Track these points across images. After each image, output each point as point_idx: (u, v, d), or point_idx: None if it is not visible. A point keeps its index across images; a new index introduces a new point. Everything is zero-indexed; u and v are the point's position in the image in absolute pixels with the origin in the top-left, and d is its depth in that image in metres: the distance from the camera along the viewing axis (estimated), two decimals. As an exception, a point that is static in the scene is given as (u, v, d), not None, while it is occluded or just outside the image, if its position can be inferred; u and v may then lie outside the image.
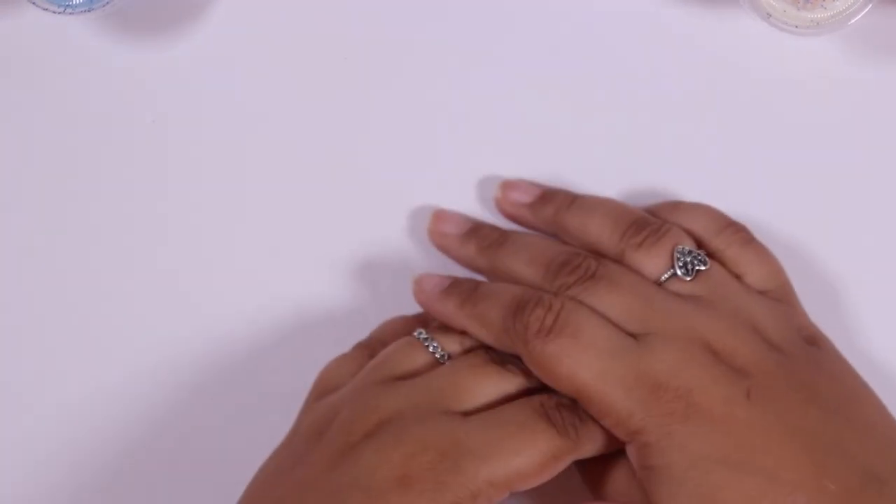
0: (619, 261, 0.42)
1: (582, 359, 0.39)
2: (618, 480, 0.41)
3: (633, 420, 0.39)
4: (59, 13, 0.45)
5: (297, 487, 0.39)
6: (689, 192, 0.47)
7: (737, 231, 0.44)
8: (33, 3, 0.44)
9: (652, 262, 0.42)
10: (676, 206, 0.45)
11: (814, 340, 0.42)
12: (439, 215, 0.47)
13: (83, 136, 0.48)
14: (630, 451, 0.39)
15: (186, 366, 0.47)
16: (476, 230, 0.46)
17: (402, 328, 0.45)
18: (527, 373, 0.41)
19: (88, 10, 0.45)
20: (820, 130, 0.47)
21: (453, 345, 0.42)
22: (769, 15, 0.44)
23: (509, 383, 0.41)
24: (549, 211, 0.45)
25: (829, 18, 0.44)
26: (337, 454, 0.39)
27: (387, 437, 0.38)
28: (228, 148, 0.48)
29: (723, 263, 0.43)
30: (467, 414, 0.39)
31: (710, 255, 0.43)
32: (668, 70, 0.47)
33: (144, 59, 0.48)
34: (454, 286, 0.44)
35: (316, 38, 0.48)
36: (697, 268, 0.42)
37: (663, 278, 0.42)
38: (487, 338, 0.42)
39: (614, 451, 0.40)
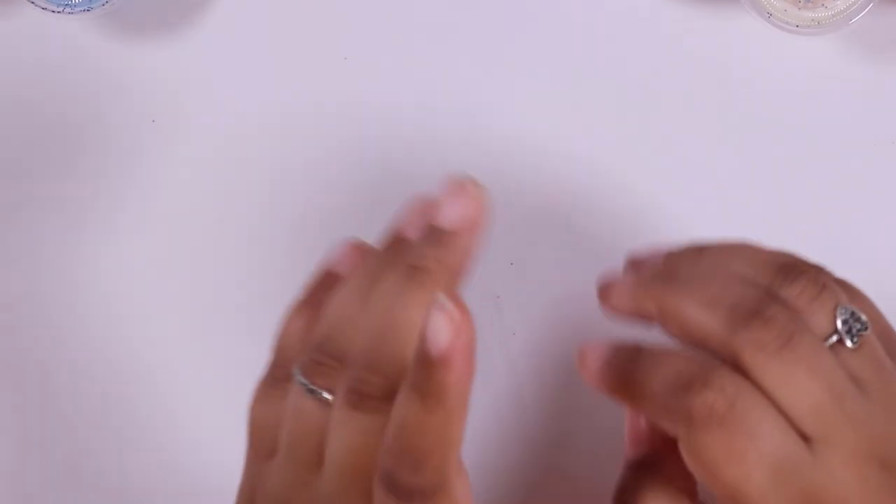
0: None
1: (755, 468, 0.32)
2: None
3: None
4: (59, 13, 0.45)
5: None
6: (689, 191, 0.47)
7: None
8: (33, 3, 0.44)
9: (816, 321, 0.34)
10: (701, 252, 0.38)
11: None
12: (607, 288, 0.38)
13: (83, 136, 0.48)
14: None
15: (180, 362, 0.47)
16: (637, 262, 0.39)
17: (295, 333, 0.39)
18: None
19: (87, 10, 0.45)
20: (820, 130, 0.47)
21: (338, 380, 0.36)
22: (770, 14, 0.44)
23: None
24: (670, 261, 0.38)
25: (829, 18, 0.44)
26: None
27: None
28: (228, 148, 0.48)
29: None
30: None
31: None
32: (669, 69, 0.47)
33: (144, 59, 0.48)
34: (615, 357, 0.37)
35: (316, 38, 0.48)
36: (860, 333, 0.34)
37: (829, 343, 0.34)
38: (647, 412, 0.36)
39: None
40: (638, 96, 0.47)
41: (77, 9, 0.45)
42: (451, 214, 0.37)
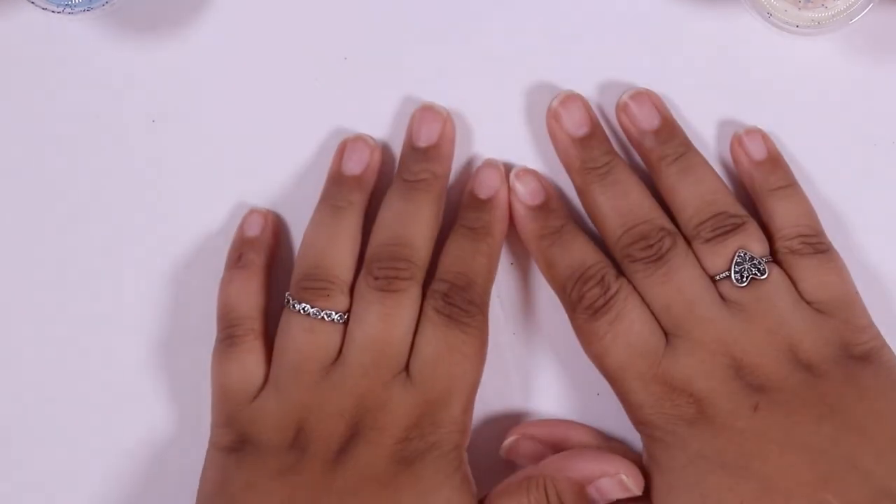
0: (689, 241, 0.44)
1: (612, 347, 0.42)
2: None
3: (642, 412, 0.42)
4: (59, 13, 0.45)
5: (300, 491, 0.40)
6: (690, 191, 0.46)
7: (810, 238, 0.44)
8: (33, 3, 0.44)
9: (713, 259, 0.43)
10: (775, 192, 0.45)
11: (865, 355, 0.42)
12: (567, 100, 0.46)
13: (83, 136, 0.48)
14: (642, 440, 0.43)
15: (187, 364, 0.47)
16: (588, 144, 0.45)
17: (244, 294, 0.45)
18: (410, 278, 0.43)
19: (88, 10, 0.45)
20: (820, 130, 0.47)
21: (337, 300, 0.43)
22: (770, 14, 0.44)
23: (414, 302, 0.43)
24: (655, 151, 0.45)
25: (830, 18, 0.44)
26: (330, 460, 0.41)
27: (369, 432, 0.41)
28: (228, 148, 0.48)
29: (784, 265, 0.44)
30: (408, 364, 0.43)
31: (775, 252, 0.44)
32: (669, 69, 0.47)
33: (144, 59, 0.48)
34: (544, 211, 0.45)
35: (316, 38, 0.48)
36: (753, 276, 0.42)
37: (718, 277, 0.43)
38: (546, 277, 0.45)
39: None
40: (638, 96, 0.47)
41: (77, 9, 0.45)
42: (428, 132, 0.46)
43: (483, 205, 0.45)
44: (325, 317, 0.43)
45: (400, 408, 0.41)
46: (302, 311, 0.43)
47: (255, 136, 0.48)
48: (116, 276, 0.48)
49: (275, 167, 0.48)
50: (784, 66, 0.47)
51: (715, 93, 0.47)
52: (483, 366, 0.43)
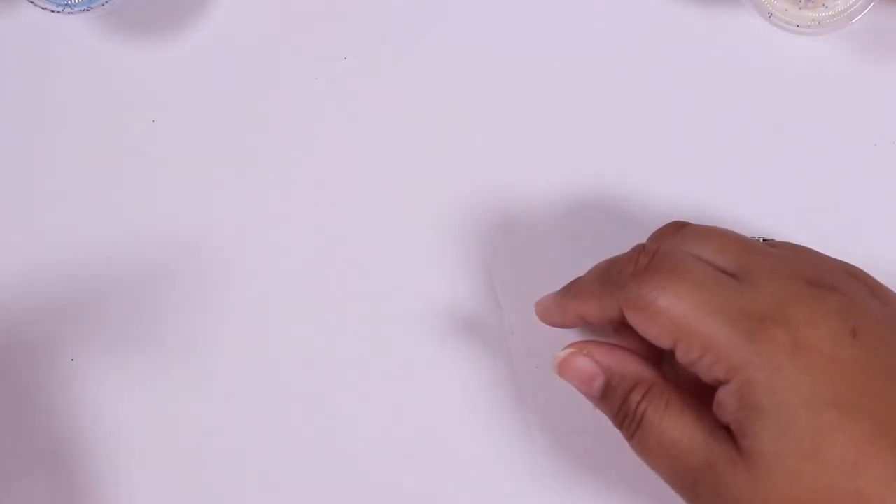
0: None
1: (681, 290, 0.37)
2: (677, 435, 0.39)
3: (737, 352, 0.37)
4: (59, 13, 0.45)
5: None
6: (688, 191, 0.47)
7: None
8: (32, 3, 0.44)
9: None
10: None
11: None
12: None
13: (83, 136, 0.48)
14: (726, 391, 0.37)
15: (187, 368, 0.47)
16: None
17: None
18: None
19: (87, 10, 0.45)
20: (820, 130, 0.47)
21: None
22: (770, 14, 0.44)
23: None
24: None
25: (830, 18, 0.44)
26: None
27: None
28: (228, 148, 0.48)
29: None
30: None
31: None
32: (669, 69, 0.47)
33: (144, 59, 0.48)
34: (562, 290, 0.43)
35: (316, 38, 0.48)
36: (769, 239, 0.42)
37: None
38: (591, 309, 0.41)
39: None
40: (638, 96, 0.47)
41: (77, 9, 0.45)
42: None
43: None
44: None
45: None
46: None
47: (255, 137, 0.48)
48: (116, 276, 0.48)
49: (273, 166, 0.48)
50: (784, 66, 0.47)
51: (715, 92, 0.47)
52: None
